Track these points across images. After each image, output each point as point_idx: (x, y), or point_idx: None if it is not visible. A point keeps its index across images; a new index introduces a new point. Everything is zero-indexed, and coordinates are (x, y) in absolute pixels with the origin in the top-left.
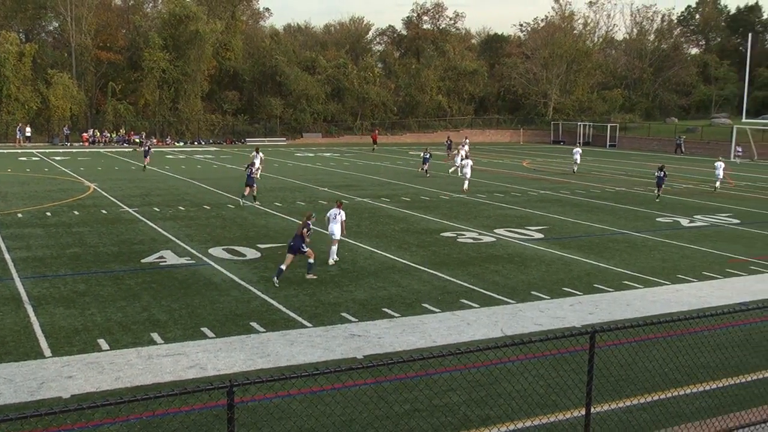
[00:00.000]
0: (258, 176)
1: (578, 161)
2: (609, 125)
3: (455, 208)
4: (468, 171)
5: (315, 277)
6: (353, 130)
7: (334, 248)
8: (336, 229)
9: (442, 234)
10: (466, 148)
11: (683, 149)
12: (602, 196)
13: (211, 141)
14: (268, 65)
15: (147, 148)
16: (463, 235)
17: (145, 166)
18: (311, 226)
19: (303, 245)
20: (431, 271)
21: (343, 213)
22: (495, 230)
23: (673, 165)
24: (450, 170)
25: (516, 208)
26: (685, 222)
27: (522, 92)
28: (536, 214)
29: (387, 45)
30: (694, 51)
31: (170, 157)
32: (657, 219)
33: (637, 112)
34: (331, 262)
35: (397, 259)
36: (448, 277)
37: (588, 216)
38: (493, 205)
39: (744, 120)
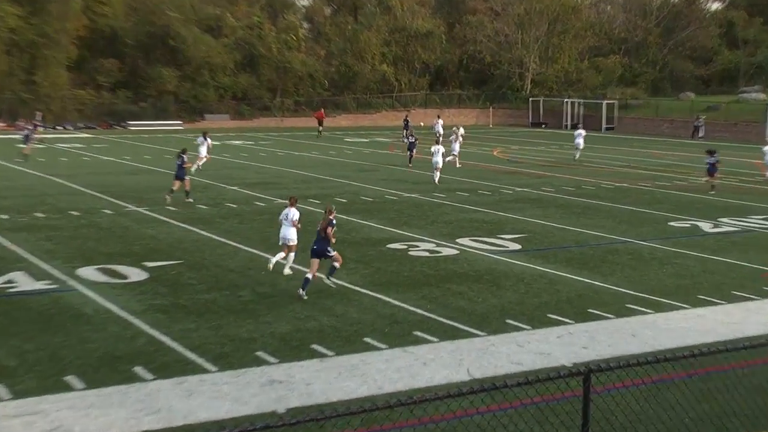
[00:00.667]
0: (198, 168)
1: (581, 145)
2: (604, 102)
3: (406, 211)
4: (439, 160)
5: (333, 286)
6: (271, 111)
7: (291, 256)
8: (290, 233)
9: (388, 246)
10: (461, 132)
11: (702, 133)
12: (598, 194)
13: (81, 125)
14: (157, 25)
15: (27, 134)
16: (417, 246)
17: (26, 156)
18: (334, 223)
19: (329, 248)
20: (375, 295)
21: (296, 212)
22: (458, 240)
23: (688, 153)
24: (447, 158)
25: (485, 210)
26: (707, 226)
27: (491, 60)
28: (511, 218)
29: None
30: (716, 6)
31: (23, 145)
32: (670, 223)
33: (641, 85)
34: (287, 271)
35: (329, 279)
36: (398, 302)
37: (579, 220)
38: (455, 206)
39: None
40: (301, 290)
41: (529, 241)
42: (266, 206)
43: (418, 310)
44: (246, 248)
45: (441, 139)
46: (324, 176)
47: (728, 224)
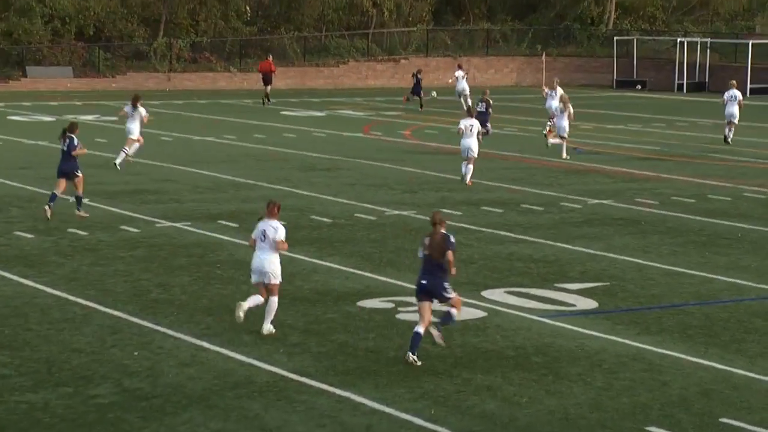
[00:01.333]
0: (126, 158)
1: (736, 117)
2: (751, 43)
3: (391, 241)
4: (473, 144)
5: (443, 343)
6: (150, 61)
7: (274, 302)
8: (271, 264)
9: (361, 304)
10: (559, 92)
11: None
12: (737, 211)
13: None
14: None
15: None
16: (412, 305)
17: None
18: (454, 242)
19: (446, 285)
20: (337, 391)
21: (280, 228)
22: (485, 293)
23: None
24: (551, 141)
25: (533, 239)
26: None
27: None
28: (581, 254)
29: None
30: None
31: None
32: None
33: None
34: (268, 328)
35: (256, 363)
36: (378, 405)
37: (704, 257)
38: (480, 233)
39: None
40: (411, 354)
41: (612, 294)
42: (141, 234)
43: (415, 419)
44: (105, 309)
45: (471, 105)
46: (246, 179)
47: None
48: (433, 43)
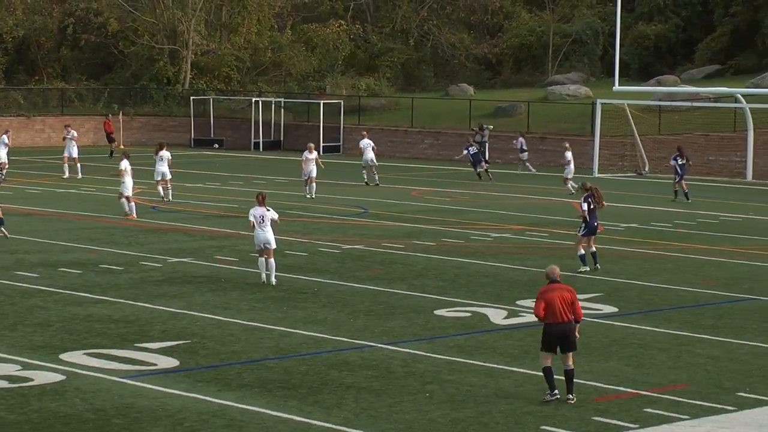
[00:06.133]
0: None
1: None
2: (321, 103)
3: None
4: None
5: None
6: None
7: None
8: (269, 235)
9: None
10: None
11: (485, 154)
12: (312, 266)
13: None
14: None
15: None
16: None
17: None
18: None
19: None
20: None
21: (272, 211)
22: (64, 356)
23: (474, 190)
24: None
25: (112, 300)
26: (498, 315)
27: (118, 29)
28: (161, 313)
29: None
30: None
31: None
32: (437, 312)
33: (385, 71)
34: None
35: None
36: None
37: (281, 312)
38: (57, 295)
39: (617, 87)
40: None
41: (193, 352)
42: None
43: None
44: None
45: None
46: None
47: (530, 309)
48: (5, 103)
